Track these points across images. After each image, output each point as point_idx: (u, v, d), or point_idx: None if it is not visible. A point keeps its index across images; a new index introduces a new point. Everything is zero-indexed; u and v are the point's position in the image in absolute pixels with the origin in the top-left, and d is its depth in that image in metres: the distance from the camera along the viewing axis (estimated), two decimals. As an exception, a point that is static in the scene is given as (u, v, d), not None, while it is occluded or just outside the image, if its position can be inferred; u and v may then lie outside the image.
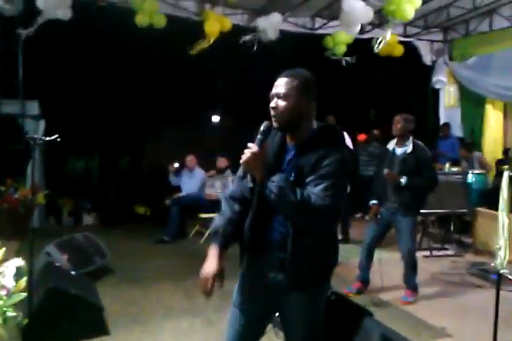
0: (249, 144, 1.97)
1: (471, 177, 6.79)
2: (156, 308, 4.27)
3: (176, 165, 7.17)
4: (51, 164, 7.75)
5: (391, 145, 4.57)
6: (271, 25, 6.93)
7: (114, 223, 7.71)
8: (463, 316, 4.20)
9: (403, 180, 4.32)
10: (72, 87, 7.82)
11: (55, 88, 7.52)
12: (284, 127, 2.04)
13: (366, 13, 6.46)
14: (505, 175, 2.99)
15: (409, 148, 4.40)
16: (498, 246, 2.86)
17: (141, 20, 6.21)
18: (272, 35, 6.99)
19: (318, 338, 2.26)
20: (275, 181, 1.91)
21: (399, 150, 4.46)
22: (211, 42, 6.60)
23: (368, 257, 4.73)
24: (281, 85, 2.01)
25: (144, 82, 8.27)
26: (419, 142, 4.50)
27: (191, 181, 7.16)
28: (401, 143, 4.46)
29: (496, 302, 3.04)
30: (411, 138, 4.45)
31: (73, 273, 4.10)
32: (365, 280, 4.79)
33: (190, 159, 7.16)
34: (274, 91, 2.03)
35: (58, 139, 3.10)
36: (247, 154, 1.95)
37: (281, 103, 2.00)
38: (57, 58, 7.10)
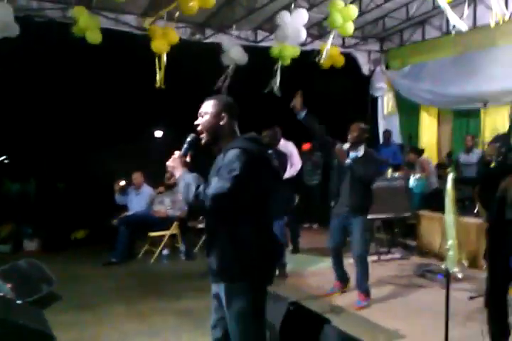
0: (176, 152, 2.39)
1: (412, 182, 7.05)
2: (111, 334, 4.13)
3: (122, 183, 7.00)
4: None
5: (346, 146, 4.70)
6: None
7: (55, 248, 7.37)
8: (414, 317, 4.34)
9: (347, 161, 4.52)
10: (6, 107, 7.51)
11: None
12: (208, 142, 2.43)
13: (298, 28, 6.62)
14: (450, 177, 3.13)
15: (360, 153, 4.62)
16: (447, 247, 2.96)
17: (78, 31, 6.08)
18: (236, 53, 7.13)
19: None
20: (185, 178, 2.29)
21: (352, 154, 4.63)
22: (164, 64, 6.58)
23: (336, 257, 4.87)
24: (204, 105, 2.46)
25: (85, 100, 8.08)
26: (371, 150, 4.78)
27: (138, 199, 7.01)
28: (354, 148, 4.65)
29: (446, 300, 3.15)
30: (363, 145, 4.67)
31: (19, 302, 3.90)
32: (342, 278, 4.96)
33: (136, 176, 7.02)
34: (200, 110, 2.46)
35: (6, 161, 2.96)
36: (171, 158, 2.39)
37: (202, 120, 2.42)
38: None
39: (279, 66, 7.15)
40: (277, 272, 5.65)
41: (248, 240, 2.30)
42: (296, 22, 6.56)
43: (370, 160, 4.59)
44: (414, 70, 8.58)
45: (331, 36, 6.66)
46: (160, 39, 6.55)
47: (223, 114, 2.40)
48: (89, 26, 6.04)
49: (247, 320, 2.33)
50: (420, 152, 7.80)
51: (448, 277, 3.07)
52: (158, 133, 11.91)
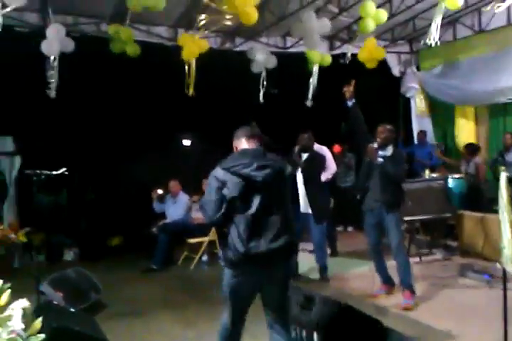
0: None
1: (451, 182, 6.96)
2: (159, 339, 4.18)
3: (160, 191, 7.11)
4: (23, 201, 7.53)
5: (375, 144, 4.72)
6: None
7: (92, 257, 7.49)
8: (464, 317, 4.27)
9: (380, 159, 4.60)
10: (45, 121, 7.68)
11: (28, 122, 7.37)
12: None
13: (322, 27, 6.63)
14: (503, 175, 3.08)
15: (388, 152, 4.69)
16: (502, 245, 2.92)
17: (116, 48, 6.24)
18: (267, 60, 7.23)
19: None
20: None
21: (380, 153, 4.69)
22: (194, 71, 6.67)
23: (378, 259, 4.88)
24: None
25: (117, 109, 8.20)
26: (399, 150, 4.91)
27: (176, 207, 7.10)
28: (382, 148, 4.71)
29: (503, 299, 3.11)
30: (391, 145, 4.75)
31: (72, 310, 3.99)
32: (387, 281, 4.94)
33: (173, 185, 7.12)
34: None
35: (66, 172, 3.07)
36: None
37: None
38: (29, 91, 6.98)
39: (315, 77, 7.19)
40: (319, 276, 5.71)
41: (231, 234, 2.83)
42: (315, 28, 6.54)
43: (398, 159, 4.67)
44: (446, 70, 8.48)
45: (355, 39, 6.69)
46: (190, 47, 6.62)
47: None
48: (127, 41, 6.21)
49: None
50: (475, 151, 7.51)
51: (505, 276, 3.01)
52: (187, 142, 11.98)
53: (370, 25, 6.29)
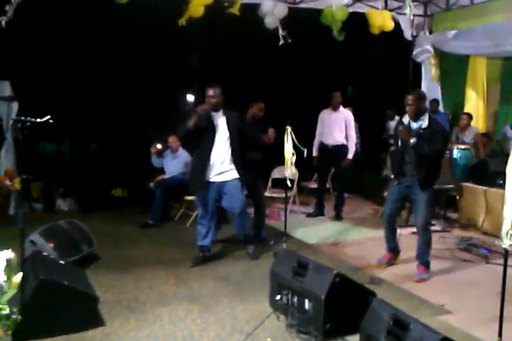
0: None
1: (456, 153, 6.79)
2: (150, 296, 4.14)
3: (159, 146, 6.94)
4: (21, 148, 7.40)
5: (406, 119, 4.53)
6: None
7: (91, 208, 7.44)
8: (460, 292, 4.23)
9: (412, 140, 4.32)
10: (43, 67, 7.45)
11: (27, 68, 7.15)
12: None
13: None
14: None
15: (424, 123, 4.39)
16: (506, 222, 2.78)
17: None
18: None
19: None
20: None
21: (414, 125, 4.45)
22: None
23: (391, 228, 4.79)
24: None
25: (119, 62, 7.96)
26: (435, 117, 4.58)
27: (175, 163, 6.95)
28: (415, 120, 4.45)
29: (503, 275, 3.03)
30: (427, 113, 4.46)
31: (62, 262, 3.92)
32: (393, 250, 4.87)
33: (173, 140, 6.93)
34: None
35: (51, 121, 2.91)
36: None
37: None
38: (29, 36, 6.72)
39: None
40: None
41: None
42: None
43: (436, 131, 4.36)
44: (460, 35, 8.13)
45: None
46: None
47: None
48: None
49: None
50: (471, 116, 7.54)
51: (506, 252, 2.91)
52: (191, 98, 11.75)
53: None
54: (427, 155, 4.31)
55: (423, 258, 4.57)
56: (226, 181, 4.87)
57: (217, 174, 4.84)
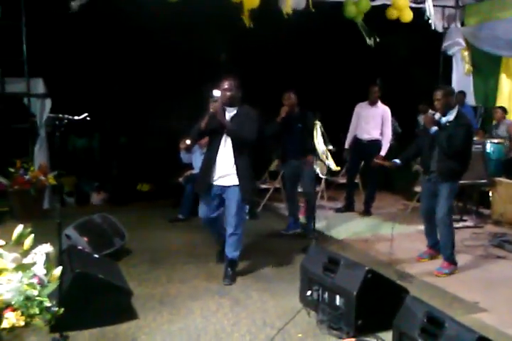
0: None
1: (489, 147, 6.65)
2: (181, 290, 4.19)
3: (188, 142, 6.96)
4: (53, 144, 7.55)
5: (438, 115, 4.51)
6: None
7: (121, 202, 7.56)
8: (494, 289, 4.16)
9: (434, 128, 4.42)
10: (75, 64, 7.57)
11: (59, 65, 7.27)
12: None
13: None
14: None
15: (451, 117, 4.45)
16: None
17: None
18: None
19: None
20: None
21: (443, 119, 4.49)
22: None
23: (429, 223, 4.77)
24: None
25: (148, 57, 8.02)
26: (464, 113, 4.64)
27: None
28: (444, 112, 4.49)
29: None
30: (456, 108, 4.51)
31: (96, 255, 4.00)
32: (433, 246, 4.84)
33: (202, 136, 6.96)
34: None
35: (88, 118, 2.96)
36: None
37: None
38: (60, 34, 6.82)
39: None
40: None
41: None
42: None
43: (460, 124, 4.39)
44: (493, 27, 7.90)
45: None
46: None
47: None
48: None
49: None
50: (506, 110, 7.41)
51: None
52: (217, 93, 11.75)
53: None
54: (445, 148, 4.36)
55: (445, 253, 4.54)
56: (225, 186, 4.37)
57: (220, 177, 4.36)
